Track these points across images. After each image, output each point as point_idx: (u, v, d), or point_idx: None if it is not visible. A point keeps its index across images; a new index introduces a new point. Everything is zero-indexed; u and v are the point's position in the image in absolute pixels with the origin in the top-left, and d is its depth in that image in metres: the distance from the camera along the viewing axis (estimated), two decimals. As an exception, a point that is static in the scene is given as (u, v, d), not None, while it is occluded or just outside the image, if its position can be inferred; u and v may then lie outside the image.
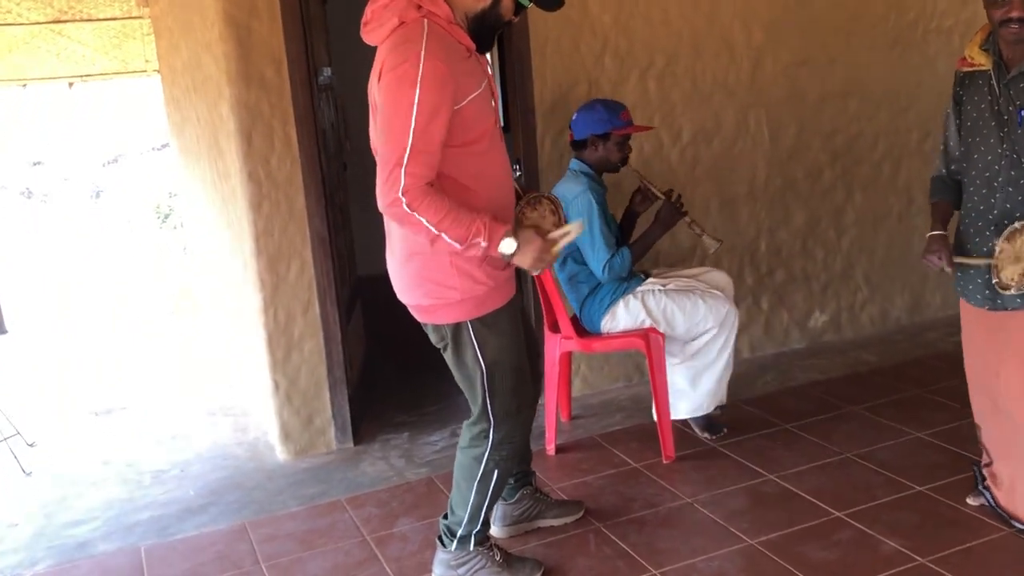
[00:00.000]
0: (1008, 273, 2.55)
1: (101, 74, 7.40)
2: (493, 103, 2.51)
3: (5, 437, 4.20)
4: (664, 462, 3.47)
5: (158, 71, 6.40)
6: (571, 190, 3.38)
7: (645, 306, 3.41)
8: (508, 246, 2.38)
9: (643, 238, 3.50)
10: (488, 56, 2.60)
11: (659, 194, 3.54)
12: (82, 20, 6.39)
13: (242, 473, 3.74)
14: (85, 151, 12.86)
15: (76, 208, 12.33)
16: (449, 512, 2.75)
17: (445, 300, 2.49)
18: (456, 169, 2.39)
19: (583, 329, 3.55)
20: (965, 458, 3.23)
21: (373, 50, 2.45)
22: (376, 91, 2.37)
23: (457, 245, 2.33)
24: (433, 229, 2.29)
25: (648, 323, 3.42)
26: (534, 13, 3.10)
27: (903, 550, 2.76)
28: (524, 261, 2.44)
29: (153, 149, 12.25)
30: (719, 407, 3.64)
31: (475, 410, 2.63)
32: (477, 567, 2.71)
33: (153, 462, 3.97)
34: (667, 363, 3.48)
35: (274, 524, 3.27)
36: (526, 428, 2.72)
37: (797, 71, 4.38)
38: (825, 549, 2.80)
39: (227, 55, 3.46)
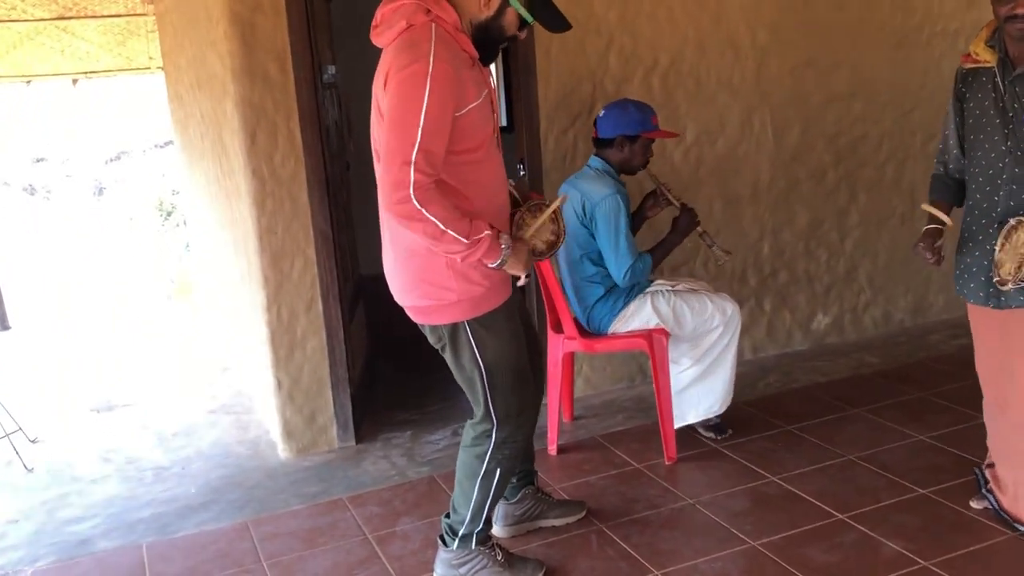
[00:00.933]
0: (1006, 269, 2.55)
1: (105, 71, 7.43)
2: (493, 113, 2.52)
3: (7, 433, 4.20)
4: (666, 463, 3.46)
5: (162, 68, 6.40)
6: (598, 191, 3.32)
7: (654, 307, 3.41)
8: (505, 242, 2.43)
9: (662, 245, 3.48)
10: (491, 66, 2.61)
11: (675, 202, 3.53)
12: (86, 17, 6.40)
13: (244, 471, 3.74)
14: (88, 148, 12.86)
15: (79, 205, 12.33)
16: (451, 511, 2.75)
17: (442, 301, 2.49)
18: (451, 176, 2.39)
19: (585, 329, 3.54)
20: (968, 461, 3.22)
21: (377, 50, 2.45)
22: (381, 93, 2.37)
23: (463, 239, 2.33)
24: (441, 225, 2.30)
25: (656, 323, 3.42)
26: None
27: (906, 553, 2.75)
28: (515, 267, 2.49)
29: (156, 146, 12.25)
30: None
31: (478, 411, 2.62)
32: (479, 567, 2.71)
33: (154, 459, 3.97)
34: (676, 368, 3.50)
35: (275, 522, 3.27)
36: (529, 428, 2.72)
37: (802, 72, 4.38)
38: (827, 551, 2.80)
39: (231, 52, 3.45)
